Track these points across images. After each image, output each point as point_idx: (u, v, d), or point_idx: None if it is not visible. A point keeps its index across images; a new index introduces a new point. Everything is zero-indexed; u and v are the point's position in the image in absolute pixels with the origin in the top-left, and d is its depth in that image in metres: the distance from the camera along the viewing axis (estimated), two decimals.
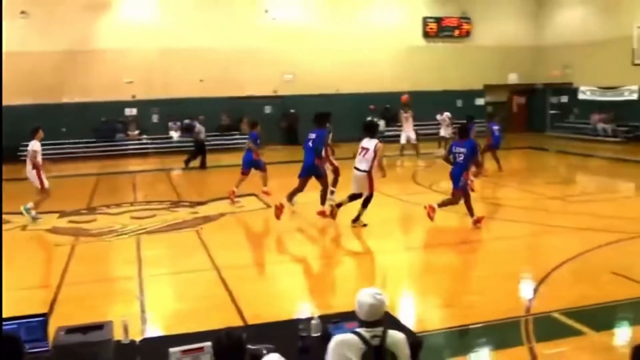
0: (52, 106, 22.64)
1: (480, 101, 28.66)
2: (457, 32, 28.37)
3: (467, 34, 28.52)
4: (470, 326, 6.47)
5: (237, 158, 22.22)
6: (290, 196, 12.02)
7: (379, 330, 3.63)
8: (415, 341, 4.25)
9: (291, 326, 4.42)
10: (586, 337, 6.17)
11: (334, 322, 4.43)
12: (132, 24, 24.06)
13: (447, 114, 20.85)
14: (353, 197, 11.06)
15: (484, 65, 28.29)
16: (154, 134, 24.97)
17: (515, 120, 29.91)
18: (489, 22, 28.56)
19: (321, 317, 4.53)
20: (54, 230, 11.43)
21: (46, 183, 12.13)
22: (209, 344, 3.59)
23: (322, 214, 11.45)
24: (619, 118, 24.99)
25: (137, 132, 24.86)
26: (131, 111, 24.92)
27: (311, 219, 11.63)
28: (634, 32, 20.15)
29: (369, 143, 10.86)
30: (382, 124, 26.48)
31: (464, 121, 17.21)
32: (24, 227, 11.61)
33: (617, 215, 11.99)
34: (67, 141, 23.30)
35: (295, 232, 11.19)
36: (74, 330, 4.09)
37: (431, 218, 10.82)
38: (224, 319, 6.35)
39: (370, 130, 11.23)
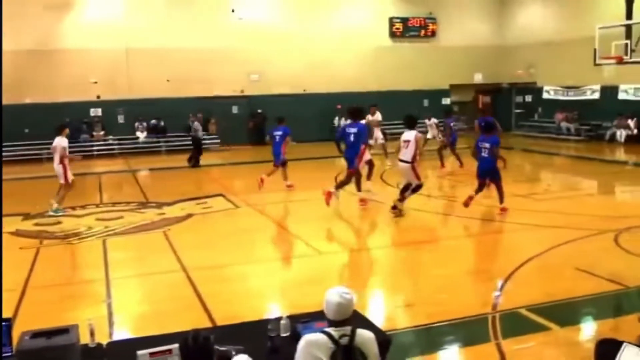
0: (15, 107, 22.22)
1: (446, 100, 28.92)
2: (423, 32, 28.59)
3: (433, 34, 28.76)
4: (438, 324, 6.52)
5: (204, 159, 22.26)
6: (340, 186, 12.81)
7: (347, 329, 3.63)
8: (384, 339, 4.28)
9: (260, 326, 4.42)
10: (552, 332, 6.27)
11: (303, 321, 4.44)
12: (97, 24, 23.75)
13: (434, 120, 21.05)
14: (406, 189, 11.77)
15: (449, 65, 28.57)
16: (119, 135, 24.70)
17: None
18: (454, 23, 28.86)
19: (290, 317, 4.53)
20: (18, 233, 11.23)
21: (70, 177, 12.86)
22: (177, 345, 3.56)
23: (363, 202, 12.85)
24: (582, 117, 25.47)
25: (102, 132, 24.56)
26: (96, 111, 24.62)
27: (279, 219, 11.63)
28: (595, 32, 20.49)
29: (410, 135, 11.46)
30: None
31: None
32: None
33: (580, 213, 12.21)
34: (30, 142, 22.91)
35: (263, 232, 11.17)
36: (39, 335, 4.02)
37: (506, 212, 11.63)
38: (193, 320, 6.32)
39: (410, 123, 11.82)
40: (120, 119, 24.97)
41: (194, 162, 20.32)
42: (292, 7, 26.36)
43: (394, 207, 11.64)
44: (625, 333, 6.02)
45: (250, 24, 25.33)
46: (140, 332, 5.80)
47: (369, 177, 14.01)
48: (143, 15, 24.37)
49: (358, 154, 12.30)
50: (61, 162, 12.79)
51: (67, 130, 13.13)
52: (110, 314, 7.00)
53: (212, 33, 24.94)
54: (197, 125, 20.82)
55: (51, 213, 12.55)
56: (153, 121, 24.86)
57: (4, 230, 11.35)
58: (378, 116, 20.22)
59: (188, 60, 24.65)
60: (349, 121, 13.19)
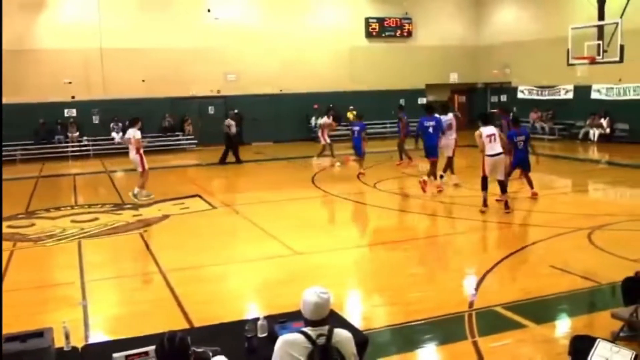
0: None
1: (422, 100, 29.08)
2: (399, 32, 28.70)
3: (409, 34, 28.89)
4: (415, 322, 6.55)
5: (181, 159, 22.16)
6: (445, 169, 14.62)
7: (325, 328, 3.63)
8: (362, 339, 4.29)
9: (237, 327, 4.41)
10: (528, 329, 6.33)
11: (280, 322, 4.43)
12: (71, 23, 23.50)
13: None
14: (486, 184, 11.80)
15: (425, 65, 28.75)
16: (94, 136, 24.45)
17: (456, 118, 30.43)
18: (430, 23, 29.03)
19: (267, 318, 4.53)
20: None
21: (146, 166, 14.06)
22: (153, 348, 3.54)
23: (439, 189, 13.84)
24: (556, 116, 25.77)
25: (77, 133, 24.29)
26: (71, 112, 24.35)
27: (257, 219, 11.61)
28: (568, 33, 20.74)
29: (492, 129, 11.74)
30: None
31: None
32: None
33: (555, 211, 12.35)
34: (4, 143, 22.56)
35: (240, 233, 11.15)
36: (13, 339, 3.97)
37: (536, 197, 12.95)
38: (170, 322, 6.28)
39: (486, 120, 12.20)
40: (95, 119, 24.73)
41: (236, 159, 20.55)
42: (268, 7, 26.30)
43: (507, 207, 11.77)
44: (599, 329, 6.12)
45: (227, 24, 25.25)
46: (116, 335, 5.75)
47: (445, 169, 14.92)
48: (118, 15, 24.16)
49: (437, 144, 14.03)
50: (137, 152, 13.97)
51: (140, 123, 14.52)
52: (85, 317, 6.93)
53: (188, 33, 24.81)
54: (228, 121, 20.93)
55: (141, 198, 13.87)
56: (129, 122, 24.62)
57: None
58: (328, 119, 20.32)
59: (164, 60, 24.50)
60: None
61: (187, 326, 6.36)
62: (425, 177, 13.88)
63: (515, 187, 13.69)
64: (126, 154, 23.34)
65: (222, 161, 20.45)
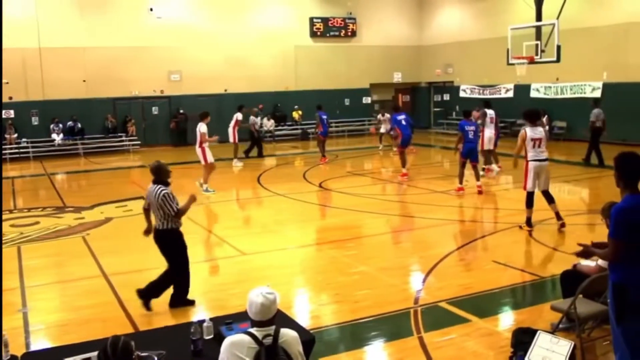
0: None
1: (367, 99, 29.32)
2: (343, 32, 28.85)
3: (353, 33, 29.08)
4: (362, 320, 6.61)
5: (124, 161, 21.77)
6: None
7: (271, 329, 3.64)
8: (308, 338, 4.31)
9: (183, 330, 4.38)
10: (472, 324, 6.47)
11: (226, 323, 4.42)
12: (8, 22, 22.75)
13: (387, 115, 21.43)
14: (532, 201, 10.26)
15: (370, 65, 29.01)
16: (34, 137, 23.78)
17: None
18: (374, 23, 29.29)
19: (213, 319, 4.51)
20: None
21: (209, 159, 14.67)
22: (95, 353, 3.48)
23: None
24: (497, 115, 26.27)
25: (15, 135, 23.57)
26: (8, 113, 23.59)
27: (202, 220, 11.51)
28: (508, 33, 21.26)
29: (540, 132, 10.19)
30: (271, 123, 26.59)
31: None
32: None
33: (497, 207, 12.67)
34: None
35: (186, 234, 10.98)
36: None
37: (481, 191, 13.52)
38: (114, 326, 6.18)
39: (537, 118, 10.72)
40: (35, 120, 24.04)
41: (258, 154, 21.16)
42: (212, 6, 26.07)
43: (559, 218, 10.22)
44: (539, 322, 6.31)
45: (169, 23, 24.92)
46: (58, 341, 5.63)
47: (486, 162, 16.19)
48: (57, 14, 23.55)
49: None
50: (200, 145, 14.53)
51: (209, 117, 15.15)
52: (26, 324, 6.75)
53: (129, 32, 24.37)
54: (252, 119, 21.31)
55: (203, 191, 14.31)
56: (70, 123, 24.06)
57: None
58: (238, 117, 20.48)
59: (105, 60, 24.02)
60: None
61: (132, 330, 6.27)
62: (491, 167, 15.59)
63: (444, 186, 13.92)
64: (67, 155, 22.99)
65: (247, 155, 20.98)
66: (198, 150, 14.79)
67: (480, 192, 13.52)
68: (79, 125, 24.19)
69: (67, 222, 11.99)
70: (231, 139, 19.76)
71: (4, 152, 23.04)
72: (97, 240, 10.42)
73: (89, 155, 23.41)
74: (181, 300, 7.09)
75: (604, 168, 16.30)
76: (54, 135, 23.94)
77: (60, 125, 23.95)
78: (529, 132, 10.03)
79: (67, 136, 23.95)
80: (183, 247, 7.16)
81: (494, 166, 16.58)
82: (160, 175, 7.09)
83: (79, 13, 23.79)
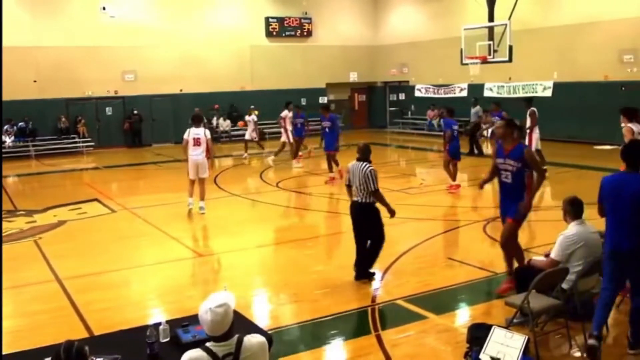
0: None
1: (323, 99, 29.39)
2: (299, 32, 28.85)
3: (309, 33, 29.11)
4: (321, 319, 6.63)
5: (77, 163, 21.36)
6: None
7: (231, 344, 3.40)
8: (266, 338, 4.30)
9: (139, 333, 4.32)
10: (429, 320, 6.55)
11: (182, 325, 4.38)
12: None
13: (254, 117, 21.26)
14: None
15: (326, 64, 29.08)
16: None
17: (356, 117, 31.12)
18: (329, 23, 29.37)
19: (169, 322, 4.46)
20: None
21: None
22: (48, 359, 3.41)
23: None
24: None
25: None
26: None
27: (158, 222, 11.39)
28: (461, 33, 21.57)
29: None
30: (227, 123, 26.43)
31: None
32: None
33: (452, 205, 12.85)
34: None
35: (141, 236, 10.89)
36: None
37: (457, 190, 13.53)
38: (68, 331, 6.07)
39: (636, 115, 9.93)
40: None
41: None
42: (166, 5, 25.74)
43: None
44: (494, 317, 6.42)
45: (123, 23, 24.53)
46: (10, 348, 5.48)
47: None
48: (5, 12, 22.81)
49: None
50: (207, 154, 12.20)
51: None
52: None
53: (82, 31, 23.88)
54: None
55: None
56: (21, 124, 23.47)
57: None
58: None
59: (57, 60, 23.51)
60: None
61: (86, 335, 6.17)
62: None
63: (400, 184, 14.08)
64: (18, 157, 22.43)
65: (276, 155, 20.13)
66: (204, 161, 12.24)
67: (453, 191, 13.61)
68: (30, 126, 23.63)
69: (19, 225, 11.72)
70: (285, 138, 19.16)
71: None
72: (50, 244, 10.21)
73: (41, 157, 22.90)
74: (365, 273, 7.87)
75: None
76: (4, 137, 23.32)
77: (15, 127, 23.33)
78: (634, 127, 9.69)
79: (18, 137, 23.37)
80: (380, 220, 7.86)
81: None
82: (367, 154, 7.96)
83: (29, 11, 23.23)
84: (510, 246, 7.20)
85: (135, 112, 25.18)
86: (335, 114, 18.95)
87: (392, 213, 7.87)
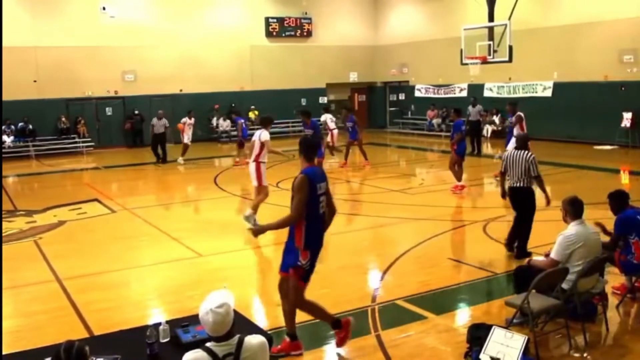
0: None
1: (323, 99, 29.39)
2: (299, 32, 28.85)
3: (309, 33, 29.11)
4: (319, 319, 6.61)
5: (77, 163, 21.36)
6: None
7: (232, 344, 3.40)
8: (266, 338, 4.30)
9: (139, 334, 4.32)
10: (428, 320, 6.54)
11: (182, 326, 4.38)
12: None
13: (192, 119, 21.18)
14: None
15: (326, 65, 29.08)
16: None
17: (356, 117, 31.03)
18: (329, 23, 29.36)
19: (169, 322, 4.46)
20: None
21: (265, 180, 11.04)
22: (48, 359, 3.41)
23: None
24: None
25: None
26: None
27: (158, 222, 11.39)
28: (461, 34, 21.56)
29: None
30: (227, 123, 26.43)
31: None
32: None
33: (452, 205, 12.83)
34: None
35: (141, 237, 10.89)
36: None
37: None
38: (68, 331, 6.07)
39: None
40: None
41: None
42: (166, 5, 25.75)
43: None
44: (494, 317, 6.42)
45: (123, 23, 24.54)
46: (11, 348, 5.49)
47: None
48: (5, 12, 22.89)
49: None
50: (256, 159, 10.74)
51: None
52: None
53: (81, 31, 23.88)
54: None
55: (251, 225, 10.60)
56: (21, 124, 23.47)
57: None
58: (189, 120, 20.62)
59: (57, 60, 23.51)
60: None
61: (86, 335, 6.17)
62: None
63: (401, 184, 14.08)
64: (18, 158, 22.41)
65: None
66: (252, 165, 10.96)
67: (457, 192, 13.56)
68: (30, 126, 23.63)
69: (19, 225, 11.72)
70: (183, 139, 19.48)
71: None
72: (50, 244, 10.21)
73: (41, 157, 22.90)
74: (524, 252, 8.38)
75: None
76: (4, 137, 23.32)
77: (12, 127, 23.33)
78: None
79: (18, 138, 23.37)
80: (534, 203, 8.43)
81: None
82: (526, 143, 8.64)
83: (29, 11, 23.24)
84: None
85: (137, 112, 25.17)
86: (352, 115, 19.04)
87: (548, 201, 8.32)
